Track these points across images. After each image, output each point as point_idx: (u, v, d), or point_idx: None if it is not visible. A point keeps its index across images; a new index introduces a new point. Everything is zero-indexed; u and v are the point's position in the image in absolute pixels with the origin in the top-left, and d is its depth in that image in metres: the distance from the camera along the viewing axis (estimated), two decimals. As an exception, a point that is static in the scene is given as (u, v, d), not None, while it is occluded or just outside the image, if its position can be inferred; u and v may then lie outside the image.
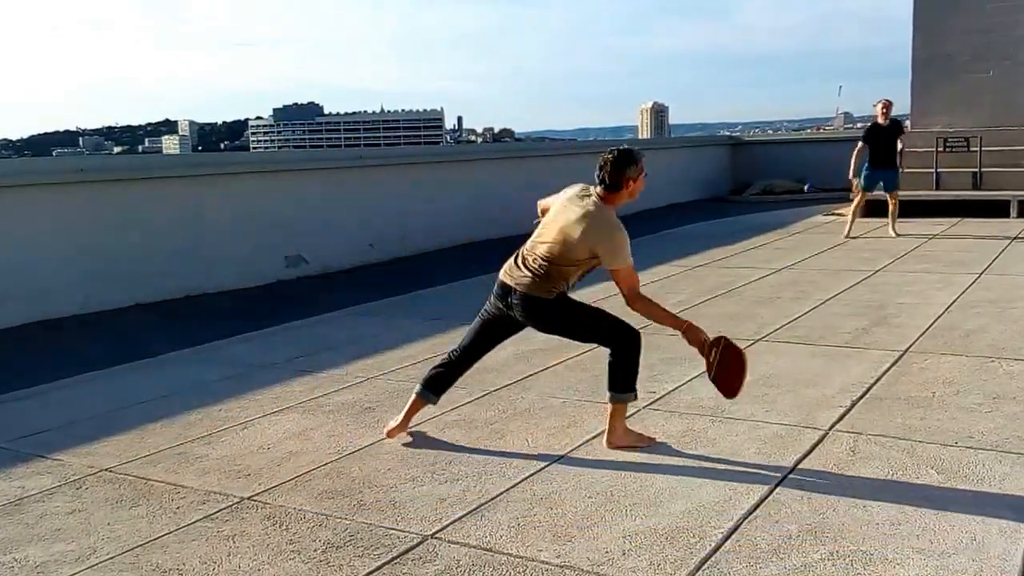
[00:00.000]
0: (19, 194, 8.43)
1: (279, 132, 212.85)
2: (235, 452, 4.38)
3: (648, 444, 4.18)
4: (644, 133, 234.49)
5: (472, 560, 3.14)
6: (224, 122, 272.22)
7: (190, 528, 3.52)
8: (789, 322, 6.64)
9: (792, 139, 26.64)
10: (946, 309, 6.84)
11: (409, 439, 4.42)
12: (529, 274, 4.09)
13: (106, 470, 4.21)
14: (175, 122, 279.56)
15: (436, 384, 4.41)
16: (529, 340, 6.20)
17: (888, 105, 11.16)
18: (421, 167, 13.36)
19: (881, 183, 11.20)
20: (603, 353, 5.96)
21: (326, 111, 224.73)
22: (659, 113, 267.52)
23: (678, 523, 3.35)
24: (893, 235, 11.17)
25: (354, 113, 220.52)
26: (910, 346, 5.77)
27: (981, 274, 8.29)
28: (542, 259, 4.07)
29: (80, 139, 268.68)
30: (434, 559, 3.16)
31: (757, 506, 3.46)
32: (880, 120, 11.09)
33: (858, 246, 10.67)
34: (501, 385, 5.27)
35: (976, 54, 14.75)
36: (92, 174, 9.27)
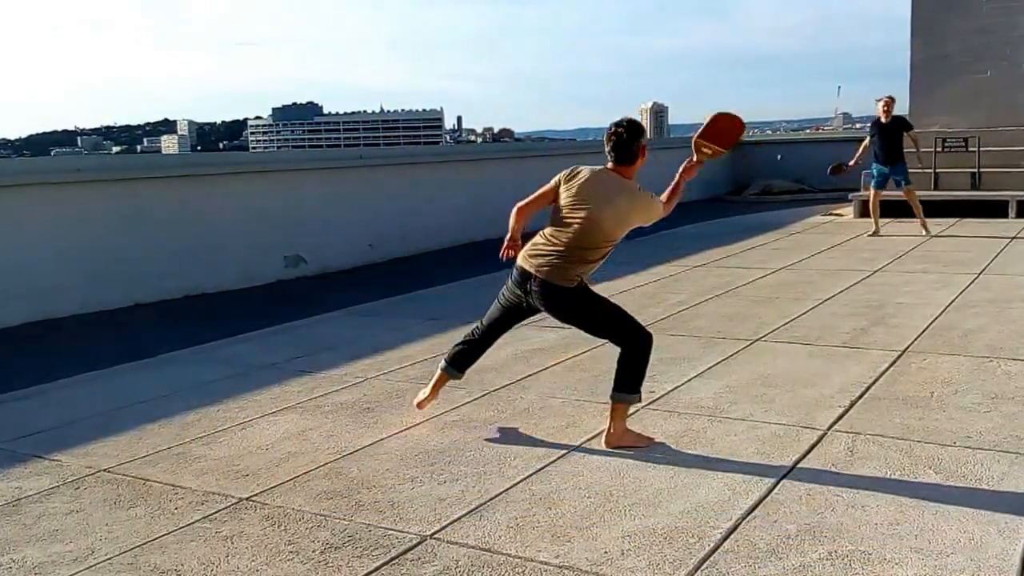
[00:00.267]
0: (18, 194, 8.43)
1: (278, 132, 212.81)
2: (234, 452, 4.38)
3: (648, 445, 4.19)
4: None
5: (471, 560, 3.14)
6: (223, 122, 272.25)
7: (188, 529, 3.52)
8: (788, 322, 6.64)
9: (791, 139, 26.65)
10: (944, 309, 6.84)
11: (408, 439, 4.43)
12: (552, 260, 4.10)
13: (104, 470, 4.21)
14: (174, 122, 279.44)
15: (460, 360, 4.53)
16: (528, 340, 6.21)
17: (889, 103, 11.18)
18: (420, 167, 13.36)
19: (892, 180, 11.23)
20: (602, 354, 5.96)
21: (325, 111, 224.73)
22: (658, 113, 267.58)
23: (677, 523, 3.35)
24: (925, 234, 11.06)
25: (353, 113, 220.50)
26: (909, 346, 5.77)
27: (980, 274, 8.30)
28: (569, 243, 4.08)
29: (79, 139, 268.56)
30: (433, 559, 3.16)
31: (756, 506, 3.46)
32: (882, 118, 11.11)
33: (857, 246, 10.67)
34: (500, 385, 5.27)
35: (975, 55, 14.76)
36: (91, 174, 9.29)
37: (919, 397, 4.72)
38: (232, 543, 3.37)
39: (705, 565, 3.02)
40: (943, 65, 14.95)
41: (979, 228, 11.68)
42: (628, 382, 4.15)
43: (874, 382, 5.02)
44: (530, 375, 5.47)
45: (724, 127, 4.41)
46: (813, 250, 10.43)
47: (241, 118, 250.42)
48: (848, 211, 13.68)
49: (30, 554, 3.36)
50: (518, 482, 3.81)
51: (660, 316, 7.07)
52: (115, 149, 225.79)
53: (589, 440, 4.28)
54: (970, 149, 13.50)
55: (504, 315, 4.38)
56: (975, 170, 13.41)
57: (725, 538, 3.21)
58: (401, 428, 4.61)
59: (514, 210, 4.36)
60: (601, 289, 8.71)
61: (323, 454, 4.29)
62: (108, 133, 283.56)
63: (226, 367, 6.12)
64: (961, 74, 14.82)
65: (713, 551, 3.11)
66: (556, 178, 4.28)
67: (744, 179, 20.46)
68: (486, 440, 4.37)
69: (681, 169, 4.35)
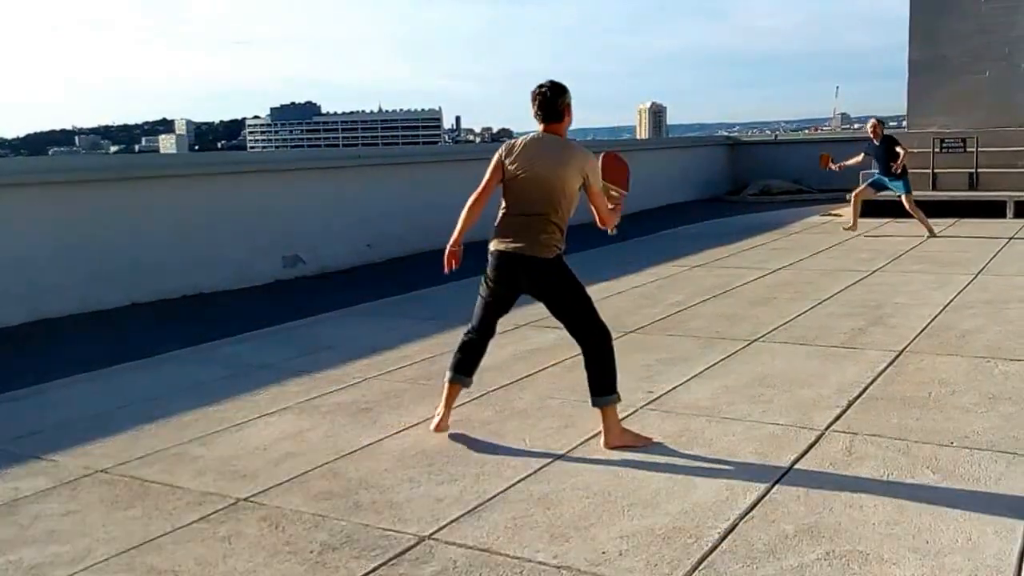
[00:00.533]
0: (15, 193, 8.42)
1: (276, 132, 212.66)
2: (231, 453, 4.38)
3: (646, 444, 4.19)
4: (642, 133, 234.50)
5: (469, 561, 3.13)
6: (221, 121, 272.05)
7: (186, 529, 3.51)
8: (786, 322, 6.64)
9: (790, 140, 26.67)
10: (942, 309, 6.84)
11: (406, 440, 4.42)
12: (526, 234, 4.13)
13: (102, 471, 4.20)
14: (172, 121, 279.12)
15: (464, 366, 4.42)
16: (527, 340, 6.21)
17: (876, 125, 11.36)
18: (419, 167, 13.35)
19: (894, 188, 11.39)
20: (600, 353, 5.95)
21: (323, 111, 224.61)
22: (657, 113, 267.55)
23: (675, 523, 3.35)
24: (927, 235, 11.11)
25: (352, 113, 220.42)
26: (906, 346, 5.78)
27: (977, 274, 8.30)
28: (535, 211, 4.12)
29: (76, 138, 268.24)
30: (431, 560, 3.16)
31: (754, 506, 3.46)
32: (874, 141, 11.29)
33: (855, 246, 10.68)
34: (499, 385, 5.27)
35: (973, 55, 14.78)
36: (88, 173, 9.27)
37: (917, 397, 4.73)
38: (229, 544, 3.36)
39: (703, 565, 3.02)
40: (941, 65, 14.97)
41: (977, 228, 11.68)
42: (602, 383, 4.17)
43: (872, 382, 5.02)
44: (529, 375, 5.47)
45: (612, 166, 4.44)
46: (811, 250, 10.43)
47: (239, 118, 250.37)
48: (847, 212, 13.68)
49: (27, 555, 3.36)
50: (516, 482, 3.81)
51: (658, 316, 7.08)
52: (113, 149, 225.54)
53: (587, 440, 4.28)
54: (968, 149, 13.52)
55: (492, 307, 4.34)
56: (973, 170, 13.43)
57: (723, 538, 3.21)
58: (399, 428, 4.60)
59: (467, 206, 4.32)
60: (600, 289, 8.69)
61: (321, 454, 4.28)
62: (106, 132, 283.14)
63: (224, 367, 6.12)
64: (959, 74, 14.83)
65: (711, 551, 3.11)
66: (495, 157, 4.30)
67: (743, 179, 20.48)
68: (484, 440, 4.36)
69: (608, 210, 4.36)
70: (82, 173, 9.16)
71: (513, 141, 4.34)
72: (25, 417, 5.17)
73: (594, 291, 8.63)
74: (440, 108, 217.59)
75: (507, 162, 4.24)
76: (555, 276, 4.17)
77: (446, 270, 4.36)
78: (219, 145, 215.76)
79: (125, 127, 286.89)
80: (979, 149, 13.43)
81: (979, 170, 13.40)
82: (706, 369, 5.46)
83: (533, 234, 4.12)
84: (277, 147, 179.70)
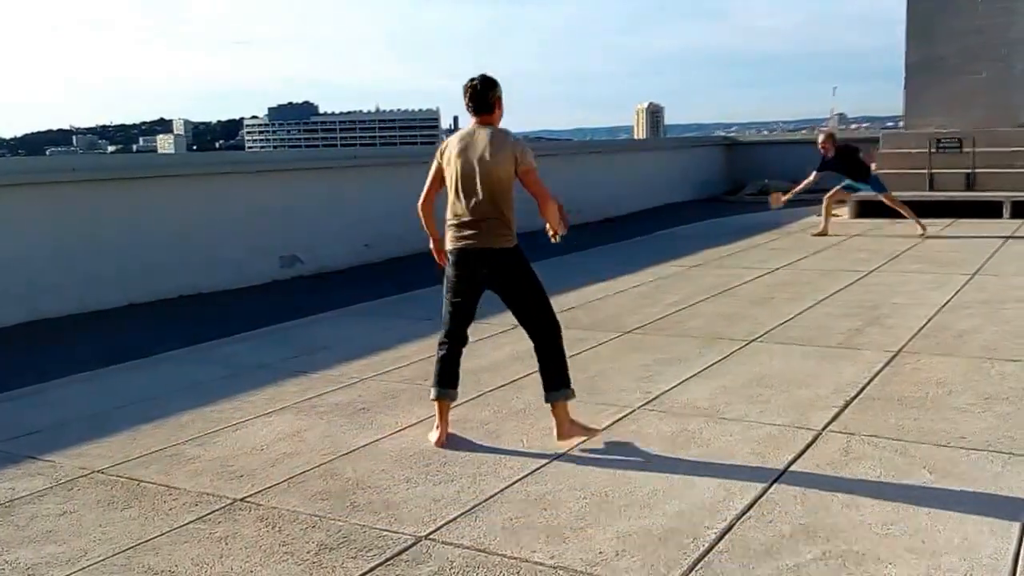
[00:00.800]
0: (13, 193, 8.41)
1: (274, 132, 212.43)
2: (228, 453, 4.37)
3: (594, 435, 4.30)
4: (640, 133, 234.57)
5: (466, 561, 3.14)
6: (219, 121, 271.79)
7: (182, 530, 3.51)
8: (783, 322, 6.65)
9: (787, 140, 26.68)
10: (939, 310, 6.85)
11: (403, 440, 4.42)
12: (484, 227, 4.19)
13: (98, 471, 4.20)
14: (170, 121, 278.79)
15: (446, 380, 4.41)
16: (524, 341, 6.18)
17: (826, 140, 11.32)
18: (416, 167, 13.28)
19: (865, 190, 11.55)
20: (598, 355, 5.97)
21: (321, 110, 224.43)
22: (655, 113, 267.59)
23: (671, 523, 3.35)
24: (921, 233, 11.10)
25: (349, 112, 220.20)
26: (903, 347, 5.78)
27: (974, 275, 8.31)
28: (482, 203, 4.17)
29: (74, 138, 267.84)
30: (427, 560, 3.16)
31: (750, 506, 3.46)
32: (829, 154, 11.22)
33: (853, 246, 10.69)
34: (496, 385, 5.27)
35: (969, 55, 14.78)
36: (86, 173, 9.26)
37: (913, 398, 4.73)
38: (226, 544, 3.36)
39: (700, 565, 3.02)
40: (938, 66, 14.97)
41: (974, 229, 11.70)
42: (557, 378, 4.26)
43: (869, 383, 5.03)
44: (526, 375, 5.46)
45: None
46: (809, 250, 10.44)
47: (237, 118, 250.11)
48: (844, 212, 13.69)
49: (23, 555, 3.35)
50: (513, 483, 3.81)
51: (656, 316, 7.08)
52: (111, 148, 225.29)
53: (584, 441, 4.28)
54: (965, 150, 13.53)
55: (459, 308, 4.37)
56: (970, 171, 13.44)
57: (720, 538, 3.21)
58: (396, 428, 4.60)
59: (420, 211, 4.45)
60: (598, 289, 8.70)
61: (318, 455, 4.28)
62: (104, 132, 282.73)
63: (221, 367, 6.11)
64: (956, 75, 14.84)
65: (708, 551, 3.12)
66: (435, 160, 4.38)
67: (740, 179, 20.50)
68: (482, 441, 4.37)
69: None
70: (80, 173, 9.14)
71: (446, 140, 4.41)
72: (22, 417, 5.17)
73: (593, 291, 8.64)
74: (438, 108, 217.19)
75: (444, 163, 4.32)
76: (514, 266, 4.26)
77: (440, 263, 4.47)
78: (217, 145, 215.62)
79: (123, 127, 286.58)
80: (976, 149, 13.44)
81: (976, 170, 13.41)
82: (704, 369, 5.46)
83: (484, 226, 4.20)
84: (275, 147, 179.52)
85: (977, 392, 4.78)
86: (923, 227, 11.21)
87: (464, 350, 4.48)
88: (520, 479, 3.85)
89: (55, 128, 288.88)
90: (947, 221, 12.50)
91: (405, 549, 3.25)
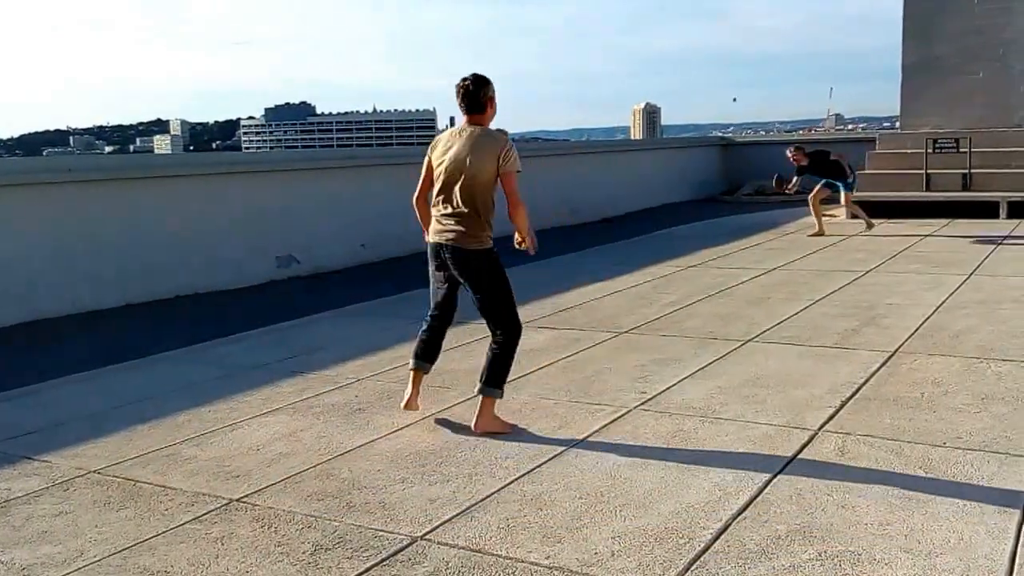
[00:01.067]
0: (10, 194, 8.40)
1: (271, 132, 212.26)
2: (224, 453, 4.37)
3: (511, 430, 4.41)
4: (637, 134, 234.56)
5: (461, 561, 3.13)
6: (216, 122, 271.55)
7: (178, 530, 3.51)
8: (779, 323, 6.65)
9: (784, 140, 26.70)
10: (935, 310, 6.86)
11: (399, 440, 4.42)
12: (455, 226, 4.31)
13: (94, 472, 4.19)
14: (167, 121, 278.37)
15: (425, 353, 4.70)
16: (521, 340, 6.20)
17: (795, 152, 11.75)
18: (413, 167, 13.28)
19: (834, 188, 11.91)
20: (594, 355, 5.97)
21: (318, 111, 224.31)
22: (651, 114, 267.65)
23: (667, 524, 3.35)
24: (867, 228, 11.66)
25: (346, 113, 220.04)
26: (899, 347, 5.79)
27: (971, 275, 8.32)
28: (465, 202, 4.28)
29: (71, 138, 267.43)
30: (423, 560, 3.16)
31: (746, 506, 3.46)
32: (802, 162, 11.65)
33: (850, 246, 10.70)
34: (492, 386, 5.26)
35: (966, 56, 14.80)
36: (83, 174, 9.25)
37: (909, 398, 4.74)
38: (222, 544, 3.36)
39: (695, 566, 3.03)
40: (935, 66, 14.99)
41: (970, 229, 11.71)
42: (497, 375, 4.39)
43: (865, 383, 5.03)
44: (522, 376, 5.46)
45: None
46: (805, 250, 10.45)
47: (234, 118, 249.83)
48: (840, 212, 13.70)
49: (19, 556, 3.35)
50: (509, 483, 3.81)
51: (653, 316, 7.08)
52: (108, 149, 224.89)
53: (580, 441, 4.28)
54: (961, 150, 13.54)
55: (440, 291, 4.59)
56: (966, 171, 13.45)
57: (715, 539, 3.21)
58: (393, 429, 4.60)
59: (415, 205, 4.59)
60: (595, 289, 8.70)
61: (314, 455, 4.28)
62: (100, 133, 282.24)
63: (217, 368, 6.11)
64: (953, 75, 14.86)
65: (703, 552, 3.12)
66: (427, 156, 4.51)
67: (737, 179, 20.51)
68: (478, 441, 4.36)
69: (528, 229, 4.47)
70: (77, 174, 9.13)
71: (438, 138, 4.53)
72: (19, 417, 5.16)
73: (589, 291, 8.65)
74: (434, 109, 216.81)
75: (434, 159, 4.43)
76: (482, 269, 4.36)
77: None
78: (214, 146, 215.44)
79: (120, 127, 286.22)
80: (972, 150, 13.45)
81: (972, 170, 13.42)
82: (700, 369, 5.46)
83: (458, 225, 4.31)
84: (272, 147, 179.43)
85: (973, 392, 4.79)
86: (870, 224, 11.74)
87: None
88: (516, 479, 3.85)
89: (52, 128, 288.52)
90: (944, 221, 12.52)
91: (401, 549, 3.25)
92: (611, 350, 6.06)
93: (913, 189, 13.58)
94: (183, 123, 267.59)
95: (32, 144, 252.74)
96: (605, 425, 4.50)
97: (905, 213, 13.05)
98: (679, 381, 5.22)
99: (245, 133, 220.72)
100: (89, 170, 9.63)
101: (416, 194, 4.56)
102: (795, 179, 11.76)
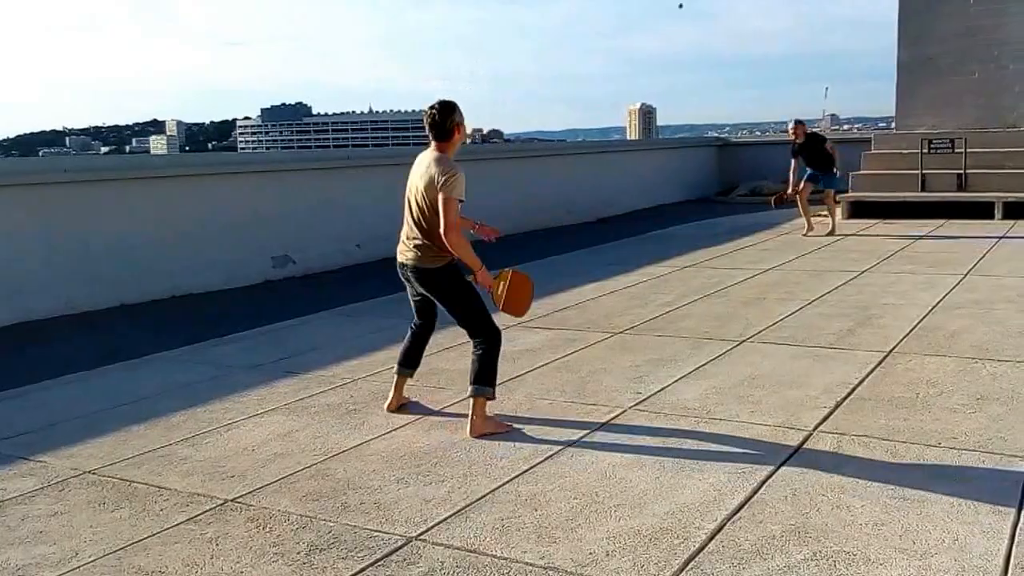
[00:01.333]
0: (5, 194, 8.38)
1: (267, 132, 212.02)
2: (219, 454, 4.37)
3: (507, 431, 4.42)
4: (632, 134, 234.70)
5: (456, 562, 3.13)
6: (212, 122, 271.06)
7: (173, 530, 3.50)
8: (775, 323, 6.66)
9: (779, 141, 26.74)
10: (930, 310, 6.87)
11: (394, 441, 4.42)
12: (414, 246, 4.45)
13: (89, 472, 4.18)
14: (163, 122, 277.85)
15: (408, 360, 4.85)
16: (516, 341, 6.21)
17: (796, 127, 11.79)
18: (409, 168, 13.30)
19: (821, 184, 11.89)
20: (590, 356, 5.97)
21: (314, 111, 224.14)
22: (647, 114, 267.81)
23: (662, 524, 3.35)
24: (830, 228, 11.77)
25: (342, 114, 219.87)
26: (894, 347, 5.80)
27: (966, 275, 8.34)
28: (416, 225, 4.43)
29: (67, 139, 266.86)
30: (418, 561, 3.16)
31: (741, 507, 3.47)
32: (798, 140, 11.72)
33: (845, 247, 10.71)
34: (487, 386, 5.26)
35: (961, 56, 14.84)
36: (78, 174, 9.23)
37: (904, 398, 4.74)
38: (217, 544, 3.35)
39: (690, 566, 3.03)
40: (930, 66, 15.02)
41: (965, 229, 11.73)
42: (484, 377, 4.42)
43: (860, 383, 5.04)
44: (517, 376, 5.46)
45: (517, 288, 4.65)
46: (801, 251, 10.46)
47: (230, 118, 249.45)
48: (837, 212, 13.72)
49: (13, 556, 3.34)
50: (504, 483, 3.81)
51: (648, 317, 7.09)
52: (104, 149, 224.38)
53: (576, 441, 4.28)
54: (956, 150, 13.57)
55: (418, 305, 4.75)
56: (961, 171, 13.48)
57: (710, 539, 3.21)
58: (387, 429, 4.60)
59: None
60: (591, 289, 8.70)
61: (309, 455, 4.27)
62: (96, 133, 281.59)
63: (212, 368, 6.10)
64: (948, 75, 14.89)
65: (698, 552, 3.12)
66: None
67: (732, 180, 20.52)
68: (473, 441, 4.36)
69: (479, 268, 4.45)
70: (72, 174, 9.11)
71: (416, 158, 4.66)
72: (13, 418, 5.15)
73: (585, 291, 8.64)
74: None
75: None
76: (446, 283, 4.47)
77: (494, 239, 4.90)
78: (210, 146, 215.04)
79: (115, 128, 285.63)
80: (967, 150, 13.48)
81: (967, 171, 13.45)
82: (695, 370, 5.47)
83: (415, 248, 4.45)
84: (268, 148, 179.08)
85: (968, 392, 4.80)
86: (811, 227, 11.79)
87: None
88: (511, 479, 3.85)
89: (49, 129, 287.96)
90: (939, 222, 12.55)
91: (396, 550, 3.24)
92: (606, 350, 6.07)
93: (908, 190, 13.61)
94: (179, 123, 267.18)
95: (28, 144, 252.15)
96: (600, 425, 4.51)
97: (900, 213, 13.09)
98: (674, 381, 5.23)
99: (241, 134, 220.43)
100: (84, 170, 9.61)
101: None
102: (792, 164, 11.77)
